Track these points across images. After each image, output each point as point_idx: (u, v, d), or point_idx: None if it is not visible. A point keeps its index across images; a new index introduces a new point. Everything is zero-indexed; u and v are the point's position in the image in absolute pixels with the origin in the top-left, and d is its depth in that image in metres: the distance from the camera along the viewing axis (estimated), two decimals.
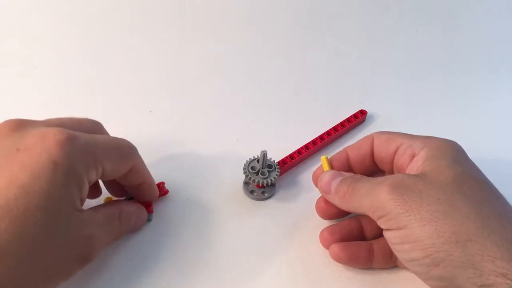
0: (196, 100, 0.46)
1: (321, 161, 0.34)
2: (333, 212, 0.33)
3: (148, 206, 0.34)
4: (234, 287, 0.32)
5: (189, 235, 0.34)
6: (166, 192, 0.36)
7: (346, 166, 0.33)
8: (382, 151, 0.32)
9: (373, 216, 0.28)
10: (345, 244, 0.32)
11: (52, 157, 0.23)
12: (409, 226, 0.25)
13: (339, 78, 0.51)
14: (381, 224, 0.27)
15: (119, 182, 0.31)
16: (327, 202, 0.33)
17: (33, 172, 0.23)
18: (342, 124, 0.44)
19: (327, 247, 0.32)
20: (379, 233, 0.32)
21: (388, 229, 0.27)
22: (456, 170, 0.27)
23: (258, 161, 0.37)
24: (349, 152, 0.33)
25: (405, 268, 0.31)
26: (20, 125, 0.25)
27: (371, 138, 0.33)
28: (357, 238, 0.33)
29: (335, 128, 0.43)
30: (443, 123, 0.46)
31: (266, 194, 0.37)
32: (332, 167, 0.33)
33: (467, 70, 0.53)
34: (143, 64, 0.49)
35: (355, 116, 0.45)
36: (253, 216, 0.36)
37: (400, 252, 0.27)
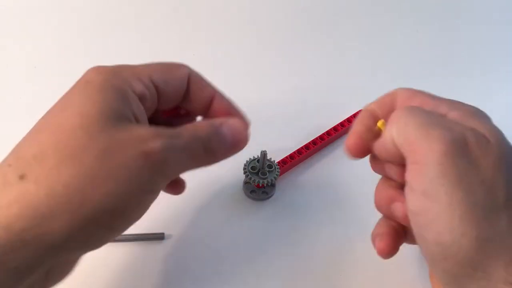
0: None
1: (380, 126, 0.28)
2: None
3: None
4: (234, 287, 0.32)
5: (188, 235, 0.34)
6: None
7: (374, 126, 0.28)
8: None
9: (408, 156, 0.23)
10: (393, 239, 0.28)
11: (85, 78, 0.24)
12: (434, 197, 0.21)
13: (339, 78, 0.51)
14: (410, 172, 0.23)
15: (187, 112, 0.29)
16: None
17: (68, 94, 0.24)
18: (342, 124, 0.44)
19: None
20: None
21: (412, 185, 0.23)
22: (502, 146, 0.22)
23: (258, 161, 0.37)
24: (374, 106, 0.29)
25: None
26: None
27: (394, 94, 0.29)
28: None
29: (335, 128, 0.43)
30: None
31: (266, 194, 0.37)
32: (360, 131, 0.28)
33: (468, 70, 0.53)
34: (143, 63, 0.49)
35: (355, 116, 0.45)
36: (253, 216, 0.36)
37: (413, 223, 0.23)
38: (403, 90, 0.29)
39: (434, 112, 0.25)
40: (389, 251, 0.28)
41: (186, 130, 0.25)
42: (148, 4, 0.53)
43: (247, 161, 0.37)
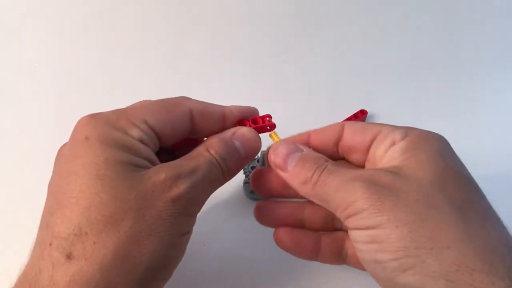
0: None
1: (271, 138, 0.29)
2: (274, 189, 0.29)
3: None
4: (234, 287, 0.32)
5: None
6: (274, 127, 0.29)
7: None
8: (356, 138, 0.27)
9: (341, 215, 0.24)
10: (292, 230, 0.29)
11: (83, 134, 0.23)
12: (380, 226, 0.22)
13: (340, 77, 0.51)
14: (349, 223, 0.24)
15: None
16: (268, 173, 0.29)
17: (73, 156, 0.23)
18: None
19: (264, 222, 0.30)
20: (324, 226, 0.30)
21: (356, 228, 0.24)
22: (439, 165, 0.24)
23: (258, 161, 0.37)
24: (312, 136, 0.29)
25: (358, 267, 0.29)
26: None
27: (340, 126, 0.28)
28: (296, 224, 0.30)
29: None
30: (444, 122, 0.46)
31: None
32: (290, 141, 0.29)
33: (469, 69, 0.53)
34: (143, 64, 0.49)
35: (355, 115, 0.45)
36: (253, 216, 0.36)
37: (365, 251, 0.23)
38: (352, 123, 0.29)
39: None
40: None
41: (201, 158, 0.25)
42: (148, 4, 0.53)
43: None
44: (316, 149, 0.28)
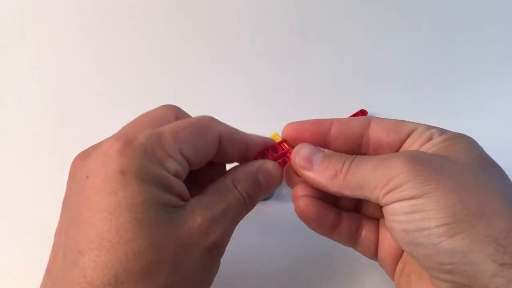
0: (196, 100, 0.46)
1: (273, 138, 0.29)
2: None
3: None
4: (234, 287, 0.32)
5: None
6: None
7: (322, 141, 0.28)
8: (391, 135, 0.27)
9: (380, 193, 0.23)
10: (316, 201, 0.28)
11: (117, 168, 0.21)
12: (427, 195, 0.22)
13: (340, 77, 0.51)
14: (389, 197, 0.23)
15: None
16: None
17: (107, 191, 0.21)
18: None
19: (291, 184, 0.29)
20: (352, 206, 0.30)
21: (398, 201, 0.23)
22: (477, 154, 0.25)
23: None
24: (335, 125, 0.28)
25: (365, 254, 0.29)
26: (86, 153, 0.24)
27: (367, 120, 0.28)
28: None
29: None
30: (445, 122, 0.46)
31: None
32: (304, 134, 0.28)
33: (469, 69, 0.53)
34: (144, 64, 0.49)
35: (355, 116, 0.45)
36: (253, 216, 0.36)
37: (406, 222, 0.23)
38: (380, 119, 0.28)
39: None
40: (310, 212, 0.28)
41: (230, 196, 0.25)
42: (148, 3, 0.53)
43: None
44: (336, 143, 0.28)
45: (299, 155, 0.27)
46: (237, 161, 0.28)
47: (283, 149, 0.29)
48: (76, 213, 0.21)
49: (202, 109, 0.45)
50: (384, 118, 0.28)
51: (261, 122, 0.45)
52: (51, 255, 0.23)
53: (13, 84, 0.46)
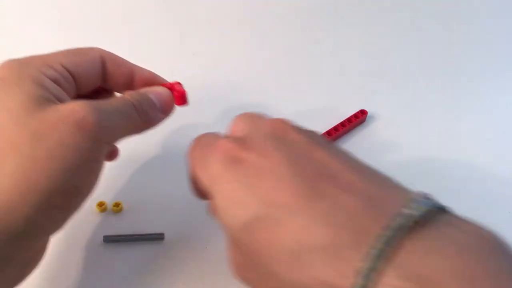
0: (197, 98, 0.46)
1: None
2: None
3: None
4: (232, 286, 0.32)
5: (189, 235, 0.34)
6: (183, 92, 0.31)
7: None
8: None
9: None
10: None
11: None
12: None
13: (340, 77, 0.51)
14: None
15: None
16: None
17: None
18: (342, 124, 0.43)
19: None
20: None
21: None
22: None
23: None
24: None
25: None
26: None
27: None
28: None
29: (335, 128, 0.43)
30: (445, 123, 0.46)
31: None
32: None
33: (470, 70, 0.53)
34: (143, 64, 0.49)
35: (355, 116, 0.44)
36: None
37: None
38: None
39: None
40: None
41: (114, 97, 0.27)
42: (148, 3, 0.53)
43: None
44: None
45: None
46: (124, 88, 0.30)
47: (173, 87, 0.30)
48: None
49: (201, 109, 0.45)
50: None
51: None
52: None
53: None
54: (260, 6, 0.54)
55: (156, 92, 0.29)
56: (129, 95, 0.27)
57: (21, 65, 0.25)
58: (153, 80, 0.31)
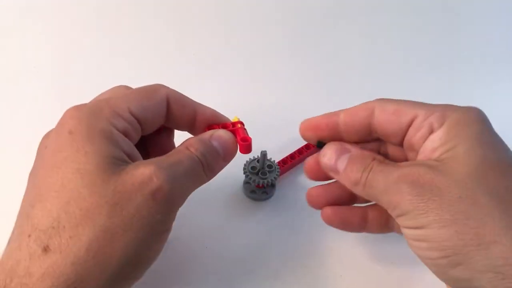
0: (196, 100, 0.46)
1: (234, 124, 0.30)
2: (324, 175, 0.30)
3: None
4: (233, 287, 0.32)
5: (188, 235, 0.34)
6: (249, 142, 0.29)
7: (335, 132, 0.29)
8: (391, 125, 0.27)
9: (392, 214, 0.26)
10: (338, 208, 0.30)
11: (67, 128, 0.24)
12: (427, 226, 0.23)
13: (340, 77, 0.51)
14: (399, 222, 0.25)
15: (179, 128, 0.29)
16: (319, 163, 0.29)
17: (58, 150, 0.23)
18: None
19: (315, 206, 0.31)
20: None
21: (405, 227, 0.25)
22: (478, 157, 0.24)
23: (258, 161, 0.37)
24: (343, 118, 0.29)
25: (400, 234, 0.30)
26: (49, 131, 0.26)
27: (371, 107, 0.28)
28: (346, 201, 0.31)
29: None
30: None
31: (266, 194, 0.37)
32: (318, 130, 0.30)
33: (470, 69, 0.53)
34: (143, 64, 0.49)
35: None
36: (253, 216, 0.36)
37: (416, 248, 0.25)
38: (383, 103, 0.28)
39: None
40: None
41: (181, 154, 0.26)
42: (148, 3, 0.53)
43: (247, 161, 0.37)
44: (348, 132, 0.29)
45: (325, 158, 0.28)
46: (186, 127, 0.29)
47: (233, 126, 0.29)
48: (34, 178, 0.24)
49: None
50: (388, 102, 0.28)
51: (261, 122, 0.45)
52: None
53: (13, 84, 0.46)
54: (262, 5, 0.54)
55: (221, 139, 0.28)
56: (195, 148, 0.26)
57: (90, 116, 0.24)
58: (214, 119, 0.30)
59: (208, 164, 0.27)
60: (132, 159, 0.24)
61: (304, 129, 0.30)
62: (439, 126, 0.25)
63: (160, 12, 0.53)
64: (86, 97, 0.45)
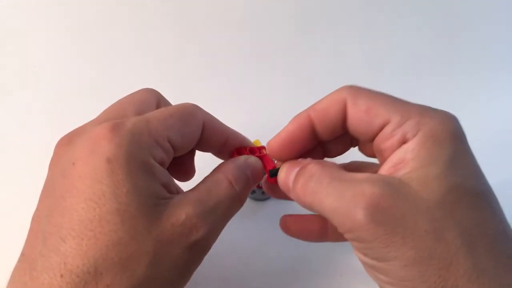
0: (196, 100, 0.46)
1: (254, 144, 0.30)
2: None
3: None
4: (233, 287, 0.32)
5: None
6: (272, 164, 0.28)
7: (309, 133, 0.27)
8: (362, 123, 0.25)
9: (345, 236, 0.23)
10: (297, 217, 0.29)
11: (104, 156, 0.21)
12: (388, 262, 0.21)
13: (339, 77, 0.51)
14: (354, 245, 0.23)
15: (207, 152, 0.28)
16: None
17: (93, 179, 0.21)
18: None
19: (293, 236, 0.29)
20: None
21: (362, 254, 0.23)
22: (450, 183, 0.22)
23: None
24: (313, 116, 0.27)
25: None
26: (71, 138, 0.24)
27: (342, 101, 0.26)
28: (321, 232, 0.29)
29: None
30: None
31: (266, 194, 0.37)
32: (292, 133, 0.27)
33: (469, 69, 0.53)
34: (143, 64, 0.49)
35: None
36: (253, 216, 0.36)
37: (374, 277, 0.23)
38: (354, 97, 0.26)
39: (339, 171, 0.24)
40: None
41: (222, 190, 0.25)
42: (148, 3, 0.53)
43: None
44: (322, 130, 0.26)
45: (279, 178, 0.26)
46: (214, 151, 0.29)
47: (260, 152, 0.29)
48: (60, 199, 0.22)
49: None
50: (359, 95, 0.26)
51: (261, 122, 0.45)
52: (27, 239, 0.23)
53: (13, 84, 0.47)
54: (261, 5, 0.54)
55: (254, 170, 0.27)
56: (233, 178, 0.25)
57: (130, 143, 0.22)
58: (243, 143, 0.29)
59: (242, 197, 0.26)
60: (168, 189, 0.24)
61: (272, 149, 0.27)
62: (412, 136, 0.23)
63: (161, 12, 0.53)
64: (86, 97, 0.46)
